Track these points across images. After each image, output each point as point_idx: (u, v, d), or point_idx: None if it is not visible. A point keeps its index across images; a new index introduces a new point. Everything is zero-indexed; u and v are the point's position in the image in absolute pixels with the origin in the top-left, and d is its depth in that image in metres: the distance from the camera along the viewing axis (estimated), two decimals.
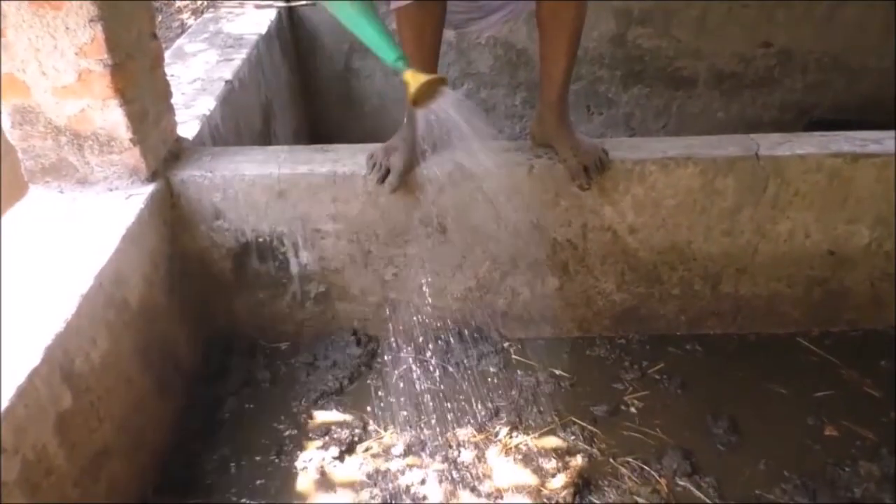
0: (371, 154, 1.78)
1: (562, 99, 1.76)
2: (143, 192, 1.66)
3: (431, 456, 1.68)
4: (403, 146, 1.76)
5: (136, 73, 1.63)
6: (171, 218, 1.77)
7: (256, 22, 2.73)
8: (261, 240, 1.83)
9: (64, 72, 1.54)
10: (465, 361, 1.93)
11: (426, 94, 1.38)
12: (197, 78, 2.25)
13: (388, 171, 1.74)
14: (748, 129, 3.22)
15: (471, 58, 3.16)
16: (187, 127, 1.96)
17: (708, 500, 1.58)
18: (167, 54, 2.47)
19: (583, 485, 1.60)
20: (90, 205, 1.62)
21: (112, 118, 1.59)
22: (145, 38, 1.67)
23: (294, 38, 3.06)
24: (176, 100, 2.03)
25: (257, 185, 1.76)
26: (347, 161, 1.78)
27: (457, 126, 1.43)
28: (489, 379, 1.89)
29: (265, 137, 2.56)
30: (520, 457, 1.68)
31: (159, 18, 3.99)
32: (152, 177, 1.71)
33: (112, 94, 1.56)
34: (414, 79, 1.38)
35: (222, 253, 1.84)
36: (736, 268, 1.91)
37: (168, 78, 1.85)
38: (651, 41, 3.11)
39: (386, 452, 1.69)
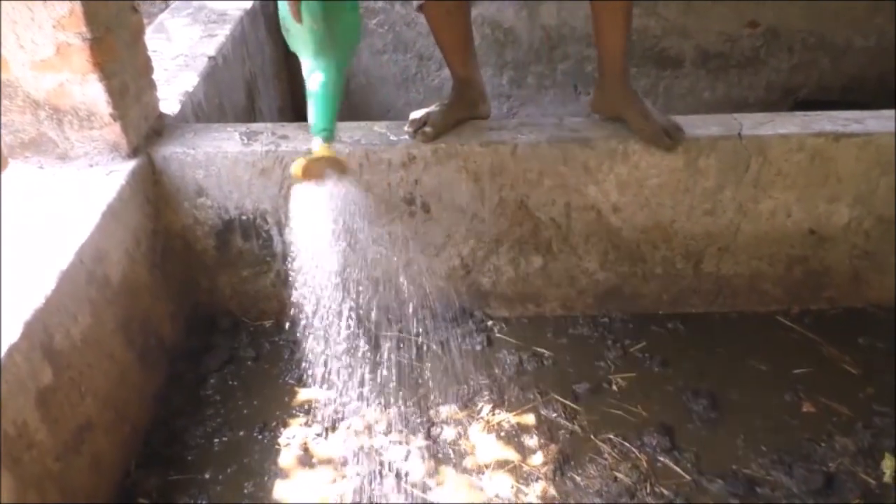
0: (414, 112, 1.83)
1: (625, 69, 1.79)
2: (125, 169, 1.65)
3: (414, 433, 1.69)
4: (445, 109, 1.82)
5: (116, 47, 1.61)
6: (154, 195, 1.76)
7: None
8: (244, 217, 1.82)
9: (42, 45, 1.52)
10: (450, 340, 1.94)
11: (317, 169, 1.46)
12: (180, 54, 2.22)
13: (424, 125, 1.78)
14: (734, 109, 3.22)
15: None
16: (170, 103, 1.94)
17: (686, 475, 1.60)
18: (150, 30, 2.43)
19: (563, 461, 1.62)
20: (70, 180, 1.61)
21: (91, 93, 1.58)
22: (125, 11, 1.65)
23: (279, 14, 3.02)
24: (158, 76, 2.00)
25: (240, 163, 1.75)
26: None
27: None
28: (473, 357, 1.90)
29: (249, 114, 2.53)
30: (502, 433, 1.70)
31: None
32: (134, 153, 1.69)
33: (91, 69, 1.54)
34: (320, 153, 1.46)
35: (205, 230, 1.84)
36: (718, 247, 1.92)
37: (150, 54, 1.83)
38: (638, 20, 3.09)
39: (369, 429, 1.70)
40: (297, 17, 1.42)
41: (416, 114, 1.80)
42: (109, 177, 1.62)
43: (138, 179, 1.68)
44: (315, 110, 1.49)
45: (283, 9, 1.46)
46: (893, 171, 1.79)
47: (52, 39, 1.51)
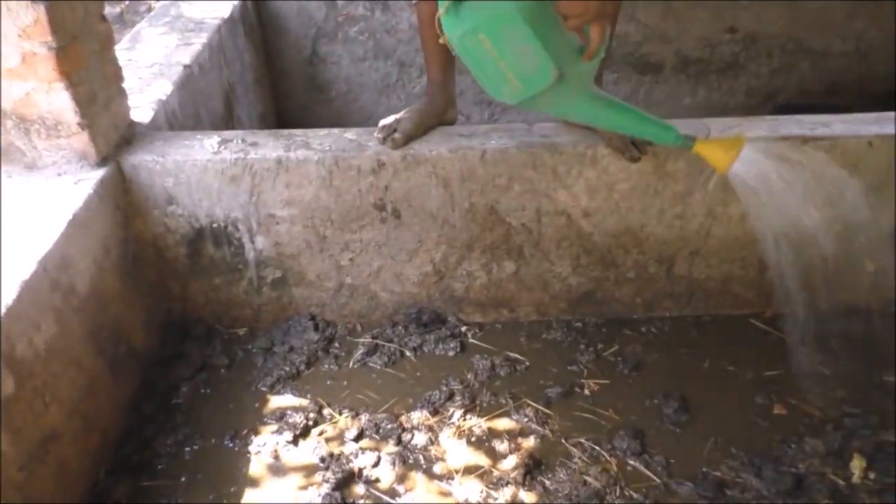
0: (384, 119, 1.83)
1: (600, 75, 1.78)
2: (93, 177, 1.65)
3: (385, 439, 1.69)
4: (415, 115, 1.82)
5: (83, 56, 1.61)
6: (124, 203, 1.76)
7: (219, 6, 2.70)
8: (215, 225, 1.83)
9: (7, 54, 1.52)
10: (423, 346, 1.94)
11: (727, 156, 1.44)
12: (155, 62, 2.23)
13: (394, 132, 1.78)
14: (715, 113, 3.24)
15: None
16: (142, 112, 1.94)
17: (656, 478, 1.60)
18: (127, 38, 2.45)
19: (533, 465, 1.62)
20: (38, 190, 1.61)
21: (58, 102, 1.58)
22: (93, 19, 1.65)
23: (259, 22, 3.03)
24: (132, 84, 2.02)
25: (210, 170, 1.75)
26: (300, 145, 1.78)
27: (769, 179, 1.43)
28: (445, 362, 1.90)
29: (227, 122, 2.54)
30: (473, 439, 1.70)
31: (126, 2, 3.94)
32: (103, 161, 1.69)
33: (57, 78, 1.55)
34: (709, 150, 1.46)
35: (177, 238, 1.84)
36: (689, 250, 1.93)
37: (125, 62, 1.84)
38: (618, 26, 3.10)
39: (340, 436, 1.70)
40: (596, 52, 1.35)
41: (386, 120, 1.81)
42: (77, 185, 1.62)
43: (107, 188, 1.68)
44: (649, 131, 1.51)
45: (559, 56, 1.34)
46: (861, 174, 1.80)
47: (18, 49, 1.51)
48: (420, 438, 1.69)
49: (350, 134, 1.83)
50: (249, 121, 2.81)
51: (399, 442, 1.69)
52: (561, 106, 1.50)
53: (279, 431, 1.71)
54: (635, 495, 1.56)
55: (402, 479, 1.61)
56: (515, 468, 1.61)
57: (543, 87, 1.36)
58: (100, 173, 1.67)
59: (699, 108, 3.30)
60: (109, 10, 3.62)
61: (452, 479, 1.61)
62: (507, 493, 1.57)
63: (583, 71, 1.40)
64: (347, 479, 1.59)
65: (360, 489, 1.59)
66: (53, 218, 1.51)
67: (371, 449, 1.67)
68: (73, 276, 1.52)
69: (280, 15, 3.04)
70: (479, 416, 1.75)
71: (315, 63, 3.14)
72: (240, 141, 1.80)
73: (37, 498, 1.36)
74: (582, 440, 1.69)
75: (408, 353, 1.92)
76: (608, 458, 1.65)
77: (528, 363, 1.90)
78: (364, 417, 1.74)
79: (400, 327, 1.98)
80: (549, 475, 1.61)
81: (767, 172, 1.43)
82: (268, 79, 3.11)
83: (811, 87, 3.28)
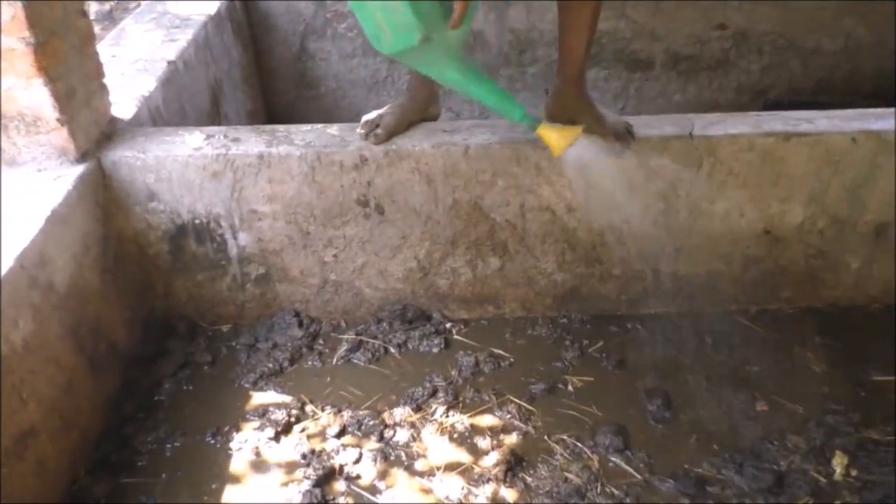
0: (367, 115, 1.84)
1: (582, 75, 1.77)
2: (72, 174, 1.64)
3: (367, 436, 1.69)
4: (398, 111, 1.82)
5: (63, 52, 1.61)
6: (104, 199, 1.75)
7: (205, 3, 2.69)
8: (197, 221, 1.82)
9: None
10: (407, 342, 1.94)
11: (565, 143, 1.60)
12: (139, 58, 2.22)
13: (376, 127, 1.78)
14: (705, 110, 3.22)
15: None
16: (125, 108, 1.93)
17: (637, 475, 1.60)
18: (111, 35, 2.44)
19: (515, 462, 1.61)
20: (17, 186, 1.60)
21: (37, 98, 1.57)
22: (72, 15, 1.64)
23: (248, 19, 3.02)
24: (115, 81, 2.01)
25: (191, 166, 1.74)
26: (282, 141, 1.77)
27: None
28: (429, 359, 1.90)
29: (214, 119, 2.53)
30: (455, 435, 1.69)
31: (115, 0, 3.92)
32: (82, 157, 1.69)
33: (36, 73, 1.54)
34: (549, 133, 1.60)
35: (158, 235, 1.83)
36: (674, 247, 1.92)
37: (109, 59, 1.83)
38: (608, 23, 3.10)
39: (322, 433, 1.70)
40: (459, 22, 1.40)
41: (369, 116, 1.81)
42: (56, 182, 1.61)
43: (87, 184, 1.67)
44: (500, 106, 1.61)
45: (427, 20, 1.40)
46: (844, 170, 1.80)
47: None
48: (402, 435, 1.69)
49: (332, 129, 1.82)
50: (237, 117, 2.80)
51: (381, 438, 1.68)
52: (428, 65, 1.57)
53: (261, 428, 1.70)
54: (616, 492, 1.56)
55: (383, 475, 1.60)
56: (497, 465, 1.61)
57: (411, 44, 1.42)
58: (79, 169, 1.66)
59: (689, 104, 3.30)
60: (98, 8, 3.61)
61: (434, 475, 1.60)
62: (488, 489, 1.57)
63: (450, 37, 1.47)
64: (328, 476, 1.59)
65: (340, 486, 1.58)
66: (32, 214, 1.50)
67: (353, 445, 1.66)
68: (51, 273, 1.51)
69: (268, 12, 3.03)
70: (461, 412, 1.75)
71: (304, 60, 3.13)
72: (221, 136, 1.79)
73: (15, 495, 1.35)
74: (564, 437, 1.69)
75: (392, 350, 1.92)
76: (590, 454, 1.65)
77: (512, 360, 1.90)
78: (346, 414, 1.74)
79: (384, 324, 1.97)
80: (531, 472, 1.61)
81: (595, 160, 1.67)
82: (256, 76, 3.10)
83: (801, 84, 3.28)
